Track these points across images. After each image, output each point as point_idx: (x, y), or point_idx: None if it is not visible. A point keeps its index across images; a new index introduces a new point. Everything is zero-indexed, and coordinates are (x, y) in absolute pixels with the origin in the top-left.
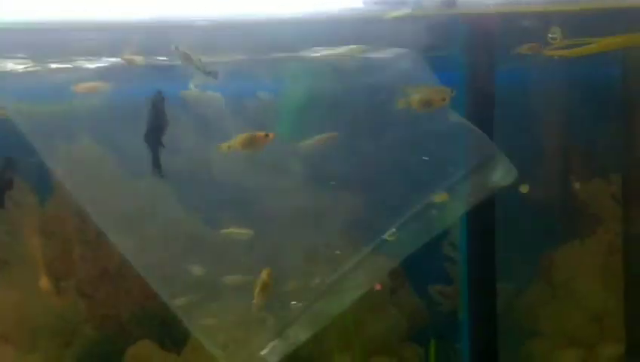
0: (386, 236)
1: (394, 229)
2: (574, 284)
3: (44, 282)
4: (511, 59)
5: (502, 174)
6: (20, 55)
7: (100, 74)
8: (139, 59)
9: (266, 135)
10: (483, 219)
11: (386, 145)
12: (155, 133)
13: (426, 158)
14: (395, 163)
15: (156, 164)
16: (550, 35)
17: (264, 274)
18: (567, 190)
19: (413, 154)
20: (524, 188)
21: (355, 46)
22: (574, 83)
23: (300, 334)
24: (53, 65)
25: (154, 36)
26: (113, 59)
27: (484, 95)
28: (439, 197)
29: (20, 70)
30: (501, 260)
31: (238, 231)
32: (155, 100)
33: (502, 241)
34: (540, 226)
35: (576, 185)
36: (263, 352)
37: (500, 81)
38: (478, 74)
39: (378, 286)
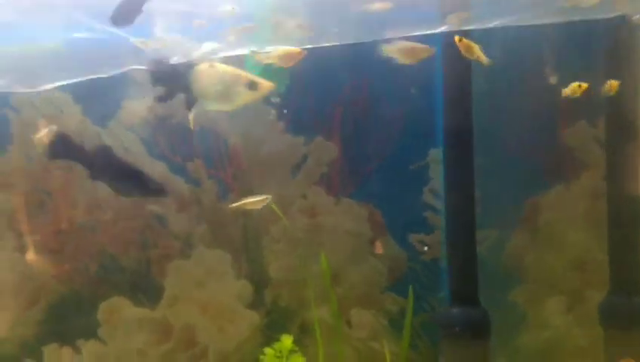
0: None
1: None
2: (558, 229)
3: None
4: None
5: None
6: None
7: None
8: None
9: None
10: (461, 166)
11: None
12: None
13: None
14: None
15: None
16: None
17: None
18: (552, 134)
19: None
20: None
21: None
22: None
23: None
24: None
25: None
26: None
27: None
28: None
29: None
30: (485, 206)
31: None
32: None
33: (485, 187)
34: (525, 171)
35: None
36: None
37: None
38: None
39: (379, 250)
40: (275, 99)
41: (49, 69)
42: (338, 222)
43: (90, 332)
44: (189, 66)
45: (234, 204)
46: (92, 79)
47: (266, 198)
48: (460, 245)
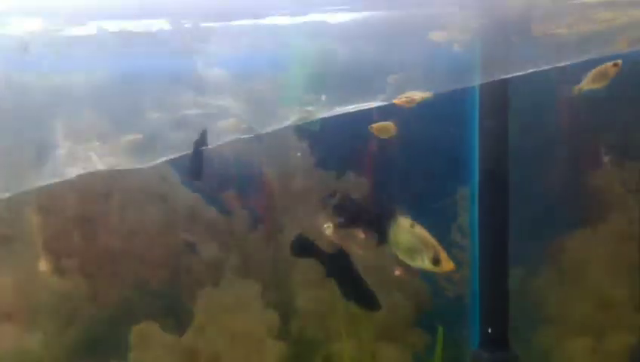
0: None
1: None
2: (584, 271)
3: (45, 260)
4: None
5: None
6: None
7: None
8: None
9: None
10: (496, 205)
11: None
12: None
13: None
14: None
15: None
16: None
17: None
18: (580, 177)
19: None
20: None
21: None
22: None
23: None
24: None
25: None
26: None
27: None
28: None
29: None
30: (512, 245)
31: None
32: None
33: (513, 226)
34: (552, 212)
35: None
36: None
37: None
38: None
39: (398, 272)
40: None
41: None
42: (365, 255)
43: (122, 356)
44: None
45: None
46: None
47: None
48: (492, 286)
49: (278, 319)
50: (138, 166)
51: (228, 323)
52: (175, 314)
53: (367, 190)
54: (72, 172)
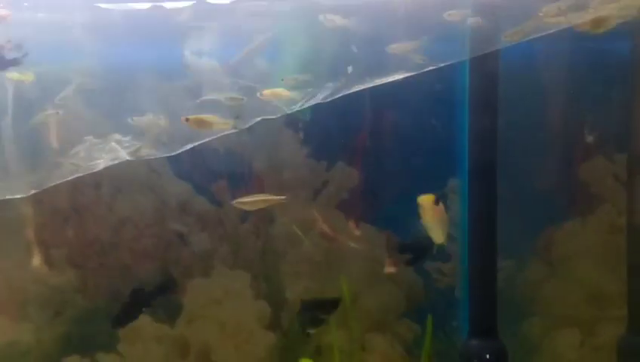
0: None
1: None
2: (573, 263)
3: (34, 251)
4: None
5: None
6: None
7: None
8: None
9: None
10: (485, 197)
11: None
12: None
13: None
14: None
15: None
16: None
17: None
18: (569, 168)
19: None
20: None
21: None
22: (579, 58)
23: None
24: None
25: None
26: None
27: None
28: None
29: None
30: (501, 237)
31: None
32: None
33: (502, 218)
34: (541, 204)
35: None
36: None
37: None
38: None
39: (391, 269)
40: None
41: None
42: (357, 247)
43: (111, 346)
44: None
45: (242, 200)
46: None
47: (280, 198)
48: (481, 277)
49: (269, 310)
50: (164, 155)
51: (218, 313)
52: (165, 305)
53: (356, 181)
54: (99, 165)
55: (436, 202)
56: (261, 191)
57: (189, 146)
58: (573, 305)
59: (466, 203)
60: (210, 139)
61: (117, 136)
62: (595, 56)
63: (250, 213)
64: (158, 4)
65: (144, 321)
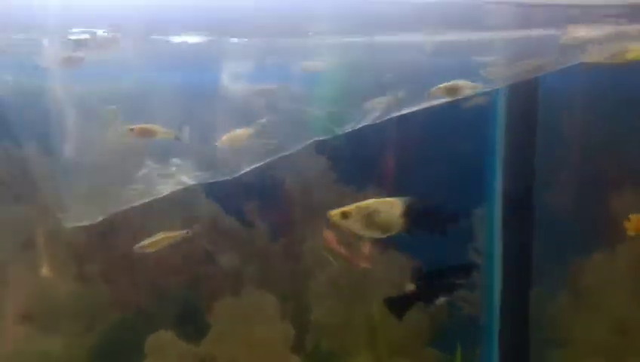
0: None
1: None
2: (602, 293)
3: (68, 265)
4: None
5: None
6: None
7: None
8: None
9: None
10: (520, 227)
11: None
12: None
13: None
14: None
15: None
16: None
17: None
18: (600, 199)
19: None
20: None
21: None
22: (614, 91)
23: None
24: None
25: None
26: None
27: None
28: None
29: None
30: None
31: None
32: None
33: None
34: (570, 233)
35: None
36: None
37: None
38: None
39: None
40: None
41: None
42: (382, 271)
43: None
44: None
45: (143, 243)
46: None
47: (182, 233)
48: (513, 307)
49: (294, 331)
50: (224, 178)
51: (244, 333)
52: (192, 323)
53: None
54: (165, 190)
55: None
56: (291, 212)
57: (248, 169)
58: (601, 334)
59: (493, 231)
60: (261, 163)
61: (176, 161)
62: (630, 89)
63: (280, 235)
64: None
65: (171, 337)
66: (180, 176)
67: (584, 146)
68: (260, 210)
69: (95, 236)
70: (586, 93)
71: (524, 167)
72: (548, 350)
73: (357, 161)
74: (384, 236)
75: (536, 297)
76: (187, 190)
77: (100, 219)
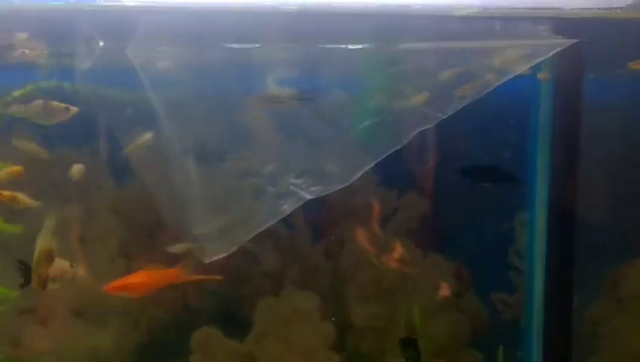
0: None
1: None
2: None
3: (118, 262)
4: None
5: None
6: None
7: None
8: None
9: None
10: (563, 231)
11: None
12: None
13: None
14: None
15: None
16: None
17: None
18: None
19: None
20: None
21: None
22: None
23: None
24: None
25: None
26: None
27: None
28: None
29: None
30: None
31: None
32: None
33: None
34: (611, 239)
35: None
36: None
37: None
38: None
39: (445, 291)
40: None
41: None
42: (424, 274)
43: (183, 358)
44: None
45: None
46: None
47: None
48: (557, 312)
49: (335, 332)
50: (339, 187)
51: (286, 332)
52: (236, 321)
53: (426, 210)
54: (287, 210)
55: None
56: (333, 215)
57: (358, 174)
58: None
59: (534, 236)
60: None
61: (292, 180)
62: None
63: (322, 237)
64: None
65: (216, 335)
66: (299, 193)
67: (623, 152)
68: (302, 212)
69: (145, 235)
70: (632, 100)
71: (570, 181)
72: (587, 357)
73: (400, 165)
74: None
75: (574, 303)
76: None
77: (235, 248)
